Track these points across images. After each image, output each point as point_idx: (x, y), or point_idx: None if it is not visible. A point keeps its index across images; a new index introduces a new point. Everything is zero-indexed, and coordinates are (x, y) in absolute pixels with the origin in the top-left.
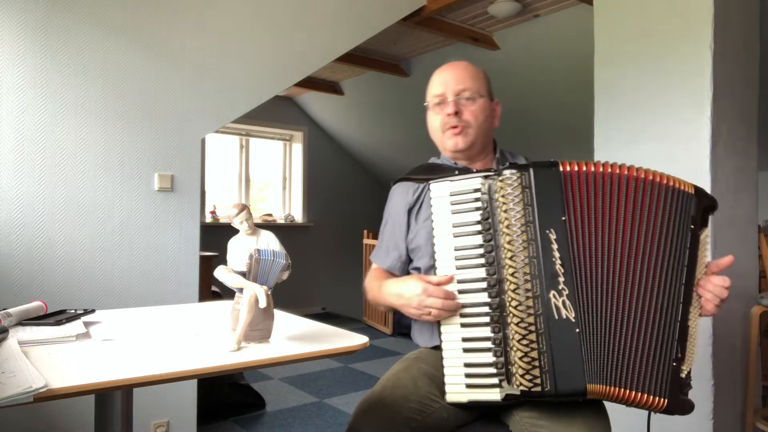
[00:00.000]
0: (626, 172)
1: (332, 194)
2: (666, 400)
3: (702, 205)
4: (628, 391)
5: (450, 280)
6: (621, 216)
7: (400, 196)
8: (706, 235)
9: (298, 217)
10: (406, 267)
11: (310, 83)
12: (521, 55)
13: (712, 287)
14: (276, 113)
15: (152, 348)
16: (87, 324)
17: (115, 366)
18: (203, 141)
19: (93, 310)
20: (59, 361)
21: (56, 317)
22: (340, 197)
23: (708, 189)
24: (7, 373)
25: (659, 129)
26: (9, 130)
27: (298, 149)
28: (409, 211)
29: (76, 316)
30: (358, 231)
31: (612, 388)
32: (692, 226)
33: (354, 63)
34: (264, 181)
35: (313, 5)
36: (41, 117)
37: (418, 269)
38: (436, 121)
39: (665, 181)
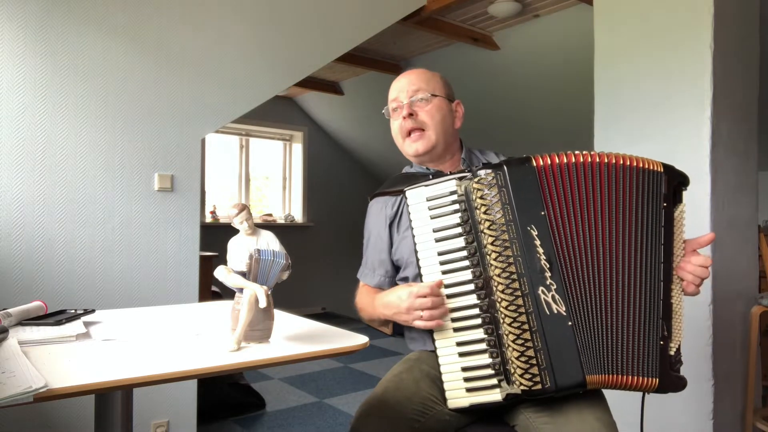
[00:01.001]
0: (597, 159)
1: (332, 194)
2: (658, 380)
3: (673, 181)
4: (622, 377)
5: (439, 285)
6: (597, 203)
7: (378, 212)
8: (682, 211)
9: (298, 217)
10: (393, 281)
11: (310, 83)
12: (521, 55)
13: (692, 268)
14: (276, 113)
15: (152, 348)
16: (87, 324)
17: (115, 366)
18: (203, 141)
19: (93, 310)
20: (59, 361)
21: (56, 317)
22: (340, 197)
23: (708, 189)
24: (7, 373)
25: (659, 129)
26: (9, 130)
27: (298, 149)
28: (391, 224)
29: (76, 316)
30: (358, 231)
31: (609, 376)
32: (665, 204)
33: (354, 63)
34: (264, 181)
35: (313, 5)
36: (41, 117)
37: (406, 279)
38: (395, 127)
39: (635, 163)
